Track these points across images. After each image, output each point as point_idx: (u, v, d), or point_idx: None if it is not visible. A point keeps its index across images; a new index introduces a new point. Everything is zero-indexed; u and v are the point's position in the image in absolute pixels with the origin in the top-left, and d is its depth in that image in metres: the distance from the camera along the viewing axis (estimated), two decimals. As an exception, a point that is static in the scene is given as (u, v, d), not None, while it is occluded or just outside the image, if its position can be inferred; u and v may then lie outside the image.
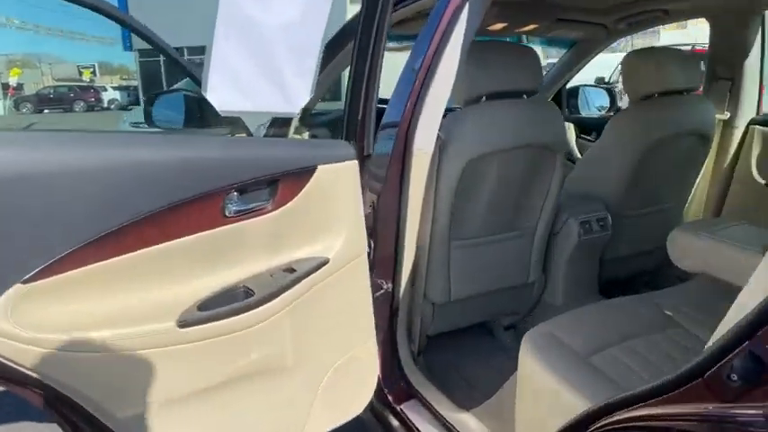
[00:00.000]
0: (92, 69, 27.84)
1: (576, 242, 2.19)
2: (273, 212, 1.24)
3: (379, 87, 1.36)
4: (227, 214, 1.17)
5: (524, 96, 1.89)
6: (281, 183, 1.23)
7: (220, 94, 1.17)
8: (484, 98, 1.83)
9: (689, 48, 7.31)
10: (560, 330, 1.48)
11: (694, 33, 10.93)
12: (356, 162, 1.38)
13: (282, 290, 1.24)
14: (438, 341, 2.18)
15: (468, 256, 1.99)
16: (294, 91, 1.28)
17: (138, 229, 1.03)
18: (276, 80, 1.23)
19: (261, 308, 1.20)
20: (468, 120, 1.76)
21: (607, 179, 2.34)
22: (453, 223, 1.86)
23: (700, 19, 2.61)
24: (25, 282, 0.93)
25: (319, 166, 1.29)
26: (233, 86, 1.19)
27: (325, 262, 1.35)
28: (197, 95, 1.89)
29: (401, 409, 1.73)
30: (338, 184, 1.34)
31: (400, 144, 1.61)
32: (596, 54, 3.18)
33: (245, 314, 1.17)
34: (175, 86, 2.94)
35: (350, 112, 1.40)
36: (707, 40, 2.55)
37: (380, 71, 1.33)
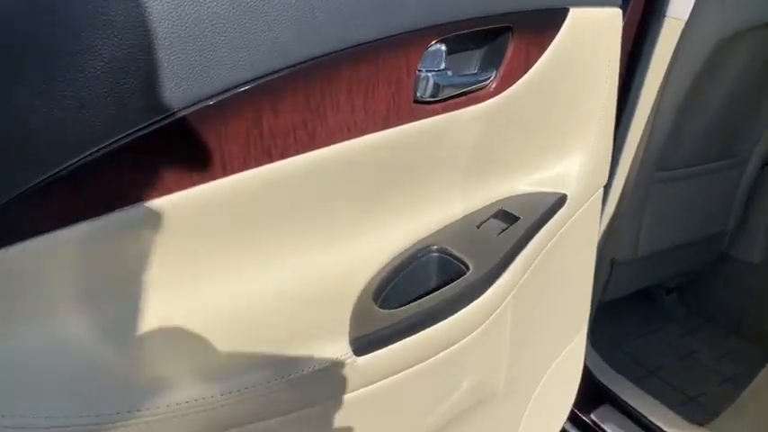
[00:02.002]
0: None
1: (799, 174, 1.53)
2: (494, 98, 0.60)
3: None
4: (419, 95, 0.54)
5: None
6: (515, 36, 0.59)
7: None
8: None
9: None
10: None
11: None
12: (620, 12, 0.72)
13: (510, 257, 0.63)
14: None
15: (669, 193, 1.35)
16: None
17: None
18: None
19: (485, 295, 0.58)
20: None
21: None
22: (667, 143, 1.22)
23: None
24: None
25: (572, 10, 0.64)
26: None
27: (562, 201, 0.72)
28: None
29: (593, 421, 1.17)
30: (596, 49, 0.70)
31: (637, 6, 0.94)
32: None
33: (463, 311, 0.56)
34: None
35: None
36: None
37: None
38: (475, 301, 0.57)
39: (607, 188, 1.16)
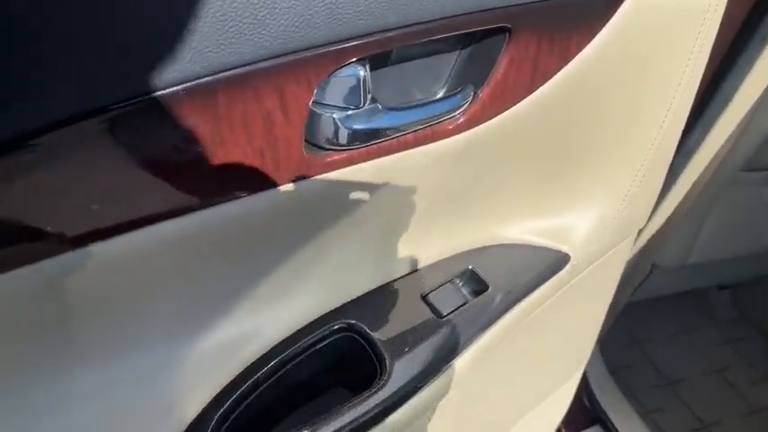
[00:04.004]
0: None
1: None
2: (468, 132, 0.39)
3: None
4: (322, 141, 0.34)
5: None
6: (515, 40, 0.36)
7: None
8: None
9: None
10: None
11: None
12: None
13: (451, 352, 0.46)
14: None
15: (749, 197, 1.07)
16: None
17: None
18: None
19: (401, 409, 0.43)
20: None
21: None
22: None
23: None
24: None
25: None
26: None
27: (560, 263, 0.52)
28: None
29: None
30: (666, 54, 0.44)
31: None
32: None
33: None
34: None
35: None
36: None
37: None
38: (389, 419, 0.42)
39: (667, 189, 0.90)
